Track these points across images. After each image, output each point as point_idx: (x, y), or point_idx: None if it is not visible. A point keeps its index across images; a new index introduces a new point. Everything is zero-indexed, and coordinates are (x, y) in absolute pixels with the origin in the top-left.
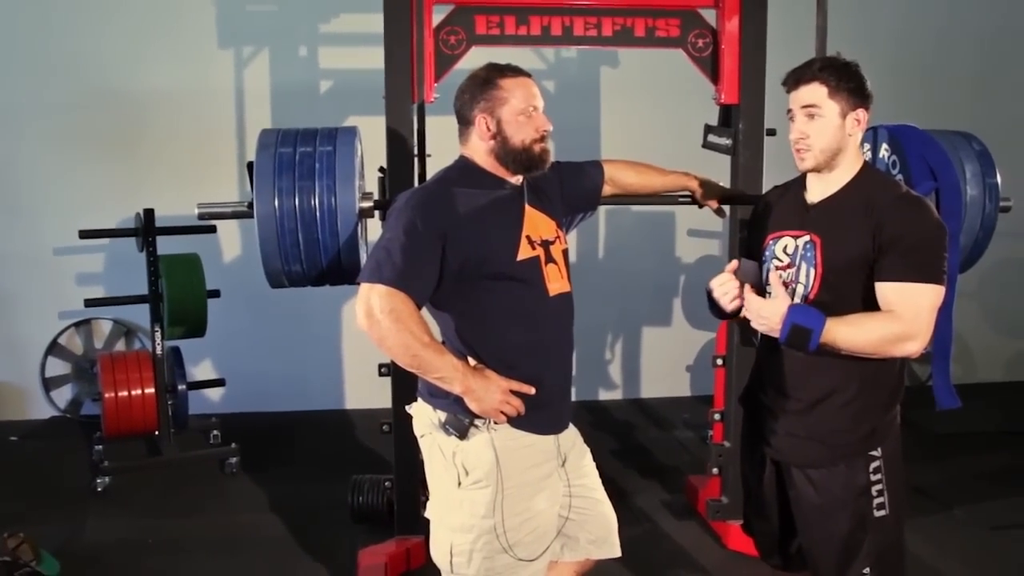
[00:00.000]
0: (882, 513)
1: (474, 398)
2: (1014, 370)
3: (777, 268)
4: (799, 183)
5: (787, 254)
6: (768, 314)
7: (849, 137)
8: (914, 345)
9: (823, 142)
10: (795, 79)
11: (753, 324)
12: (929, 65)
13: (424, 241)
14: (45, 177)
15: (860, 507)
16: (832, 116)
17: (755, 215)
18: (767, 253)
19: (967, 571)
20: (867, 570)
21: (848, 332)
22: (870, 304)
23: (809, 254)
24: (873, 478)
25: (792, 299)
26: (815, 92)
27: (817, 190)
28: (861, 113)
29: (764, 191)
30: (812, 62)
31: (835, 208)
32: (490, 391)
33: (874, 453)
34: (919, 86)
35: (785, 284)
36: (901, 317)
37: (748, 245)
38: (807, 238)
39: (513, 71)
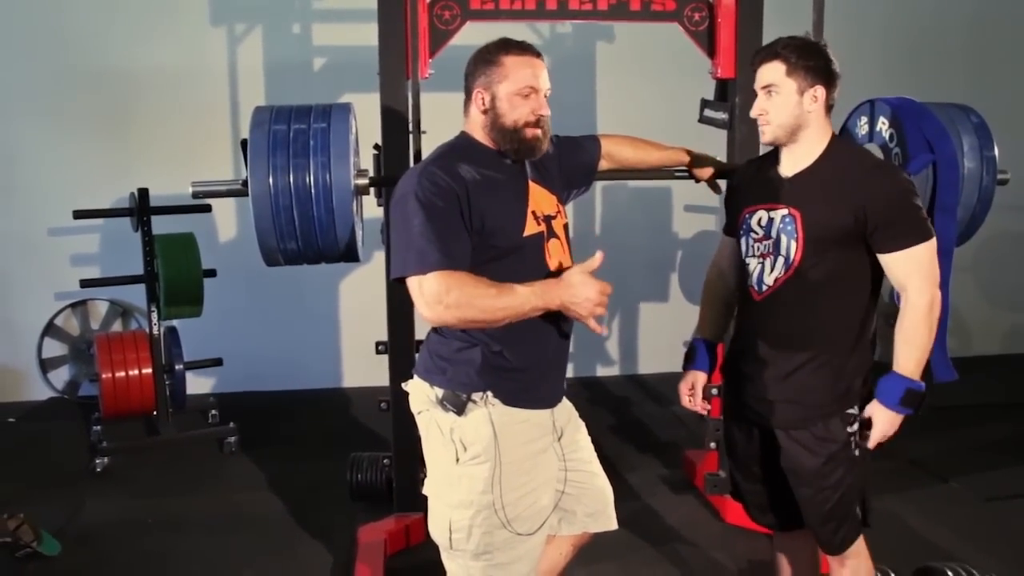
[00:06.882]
0: (856, 452)
1: (572, 305)
2: (1010, 343)
3: (754, 241)
4: (772, 157)
5: (761, 227)
6: (889, 425)
7: (808, 113)
8: (938, 294)
9: (780, 118)
10: (758, 59)
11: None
12: (924, 37)
13: (447, 213)
14: (38, 157)
15: (845, 456)
16: (789, 93)
17: (730, 190)
18: (744, 227)
19: (962, 542)
20: (857, 509)
21: (916, 351)
22: (849, 266)
23: (790, 227)
24: (851, 430)
25: (772, 270)
26: (775, 70)
27: (790, 164)
28: (819, 90)
29: None
30: (776, 42)
31: (811, 180)
32: (587, 288)
33: (851, 411)
34: (914, 58)
35: (762, 256)
36: (917, 290)
37: (726, 219)
38: (785, 211)
39: (521, 49)
